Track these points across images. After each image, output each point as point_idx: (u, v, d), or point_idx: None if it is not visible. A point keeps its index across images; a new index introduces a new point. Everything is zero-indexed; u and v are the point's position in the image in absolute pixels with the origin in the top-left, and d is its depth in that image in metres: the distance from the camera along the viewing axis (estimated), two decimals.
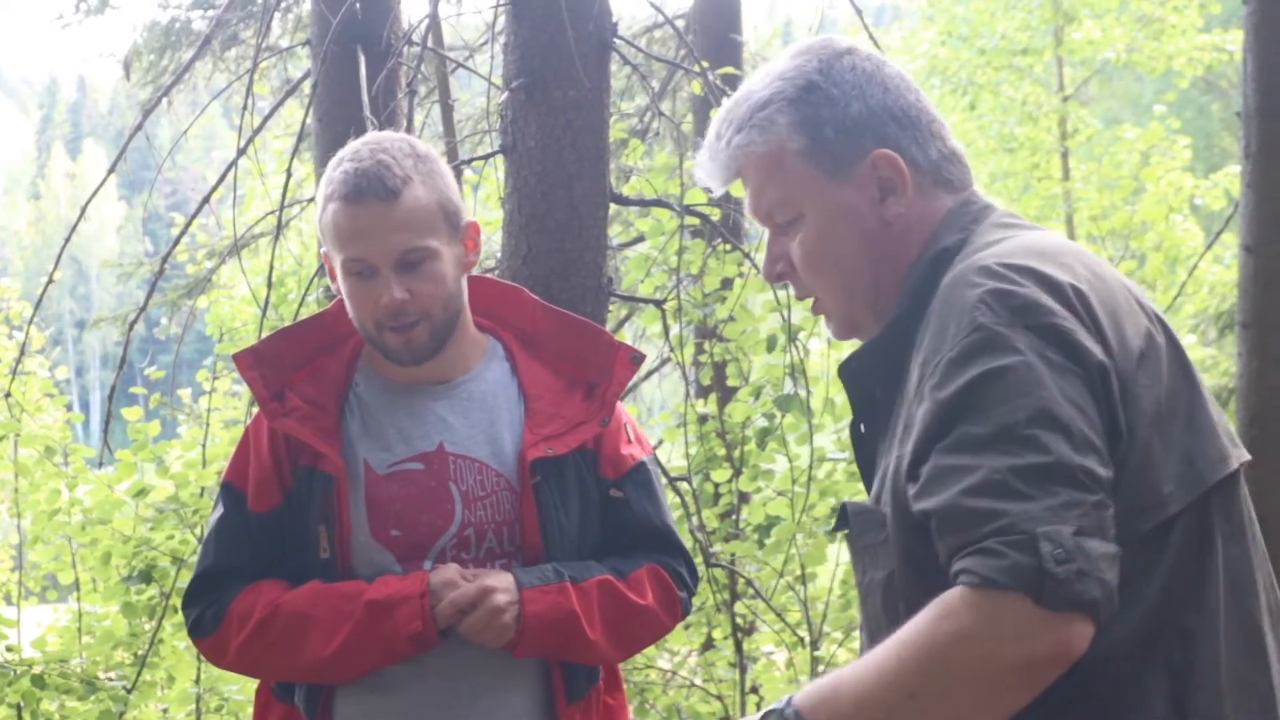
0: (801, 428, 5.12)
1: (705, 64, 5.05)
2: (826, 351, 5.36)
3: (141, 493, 5.51)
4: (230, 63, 7.41)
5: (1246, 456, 1.68)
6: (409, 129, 4.78)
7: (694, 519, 5.23)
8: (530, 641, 2.36)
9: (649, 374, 8.17)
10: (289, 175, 5.14)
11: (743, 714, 5.45)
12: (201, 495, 5.45)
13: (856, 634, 4.20)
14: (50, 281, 5.68)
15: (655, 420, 7.17)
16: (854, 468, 4.97)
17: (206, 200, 5.74)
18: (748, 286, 5.16)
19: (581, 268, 4.09)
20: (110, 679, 5.37)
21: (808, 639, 5.28)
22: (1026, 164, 16.23)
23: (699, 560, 5.09)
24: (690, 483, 5.43)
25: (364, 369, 2.50)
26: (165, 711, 5.70)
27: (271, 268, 5.19)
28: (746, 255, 5.17)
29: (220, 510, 2.48)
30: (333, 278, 2.42)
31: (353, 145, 2.40)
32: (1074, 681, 1.51)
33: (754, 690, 5.70)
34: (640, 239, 5.99)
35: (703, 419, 5.64)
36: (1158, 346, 1.62)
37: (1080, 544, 1.45)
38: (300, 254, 8.01)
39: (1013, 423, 1.50)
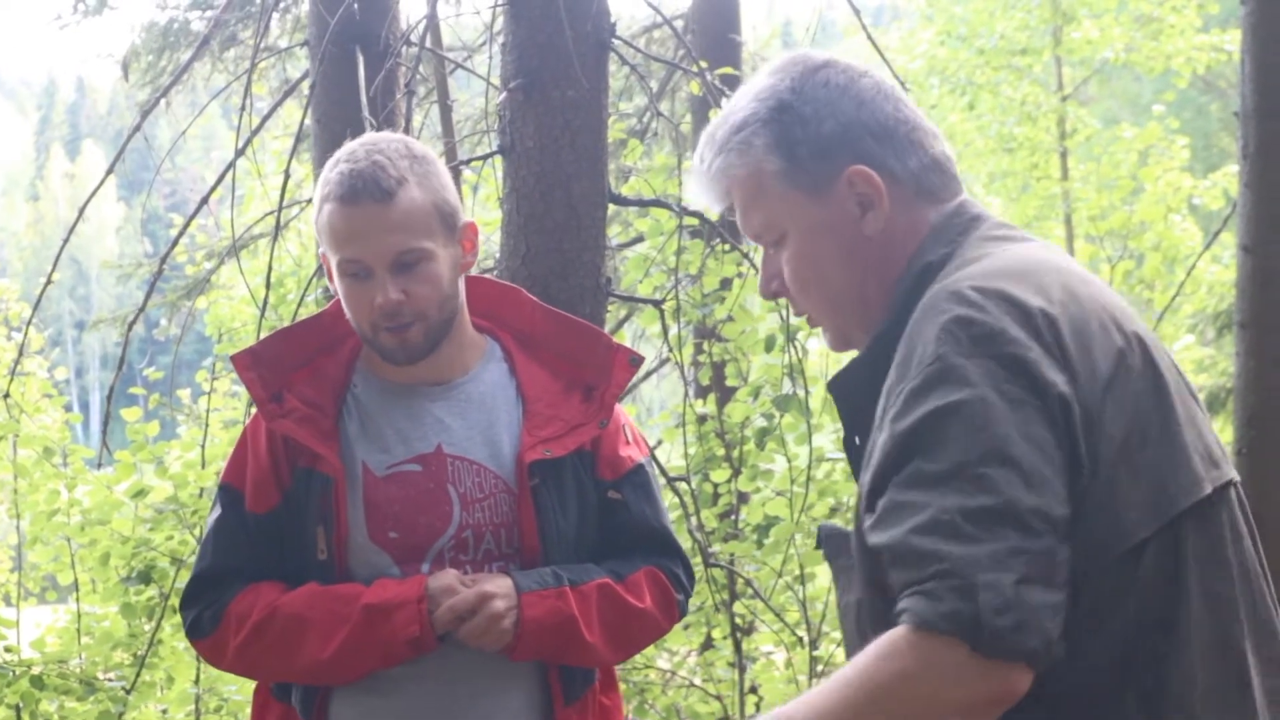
0: (800, 428, 5.12)
1: (704, 64, 5.05)
2: (825, 351, 5.36)
3: (140, 493, 5.51)
4: (229, 63, 7.41)
5: (1229, 476, 1.66)
6: (407, 129, 4.78)
7: (693, 519, 5.23)
8: (528, 646, 2.36)
9: (648, 374, 8.17)
10: (287, 176, 5.14)
11: (742, 714, 5.45)
12: (201, 496, 5.44)
13: None
14: (49, 282, 5.68)
15: (654, 420, 7.18)
16: None
17: (205, 201, 5.74)
18: (746, 286, 5.16)
19: (580, 268, 4.09)
20: (109, 680, 5.37)
21: (806, 639, 5.29)
22: (1025, 164, 16.24)
23: (698, 560, 5.09)
24: (689, 483, 5.43)
25: (362, 370, 2.50)
26: (164, 712, 5.70)
27: (270, 268, 5.18)
28: (745, 255, 5.17)
29: (218, 511, 2.48)
30: (330, 279, 2.42)
31: (349, 146, 2.40)
32: (1046, 708, 1.53)
33: (753, 690, 5.71)
34: (639, 239, 5.99)
35: (701, 419, 5.64)
36: (1129, 370, 1.60)
37: (1021, 594, 1.46)
38: (299, 255, 8.01)
39: (965, 461, 1.50)
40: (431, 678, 2.39)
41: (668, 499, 5.31)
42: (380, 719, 2.42)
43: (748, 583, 5.35)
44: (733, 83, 4.92)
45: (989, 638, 1.45)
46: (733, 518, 5.63)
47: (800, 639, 5.34)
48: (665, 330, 5.09)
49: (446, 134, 5.56)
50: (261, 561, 2.44)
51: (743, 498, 5.69)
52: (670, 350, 5.13)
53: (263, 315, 5.16)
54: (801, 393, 5.04)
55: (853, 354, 1.83)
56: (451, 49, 6.85)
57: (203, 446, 5.59)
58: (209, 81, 7.55)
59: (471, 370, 2.50)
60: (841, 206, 1.75)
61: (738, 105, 1.80)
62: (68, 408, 8.47)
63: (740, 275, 5.27)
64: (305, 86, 5.80)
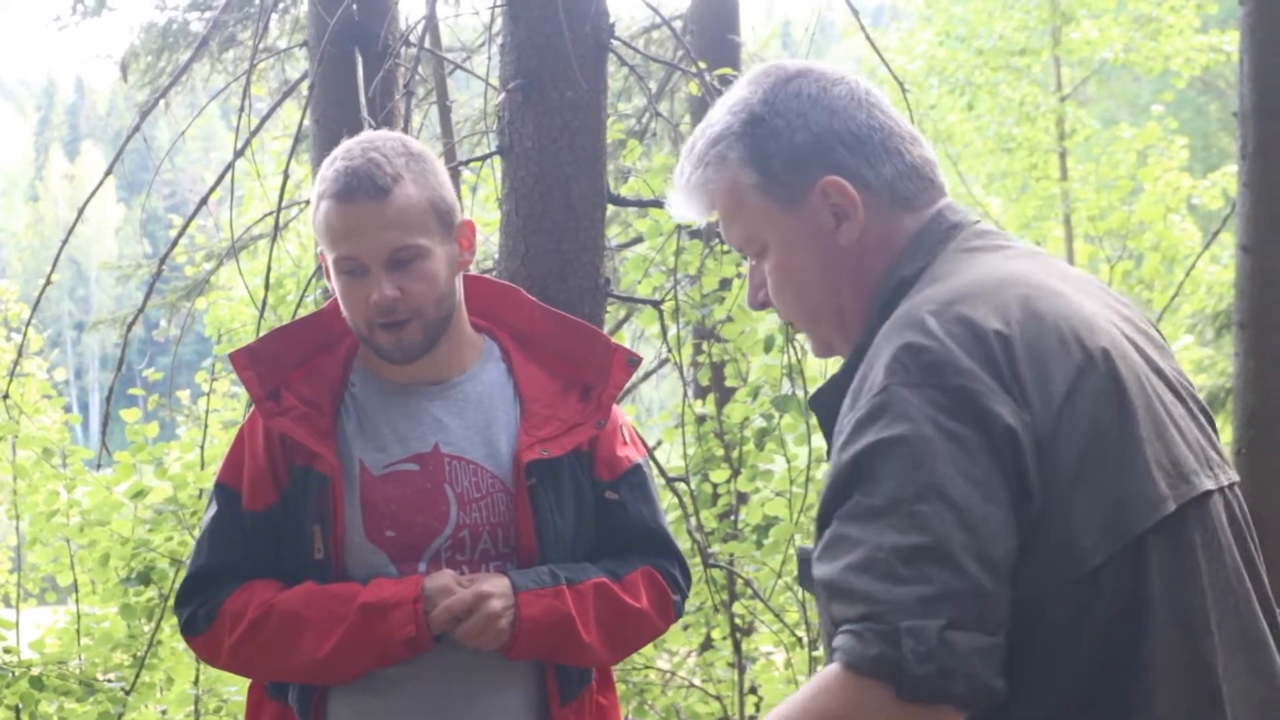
0: (799, 428, 5.12)
1: (703, 65, 5.05)
2: None
3: (140, 494, 5.51)
4: (228, 64, 7.41)
5: (1203, 488, 1.63)
6: (406, 130, 4.78)
7: (692, 519, 5.22)
8: (525, 645, 2.37)
9: (647, 375, 8.17)
10: (286, 176, 5.14)
11: (741, 714, 5.46)
12: (200, 497, 5.44)
13: None
14: (48, 283, 5.68)
15: (654, 421, 7.17)
16: None
17: (204, 202, 5.74)
18: (745, 287, 5.15)
19: (579, 268, 4.09)
20: (109, 680, 5.36)
21: (806, 639, 5.28)
22: (1024, 164, 16.25)
23: (697, 561, 5.09)
24: (688, 483, 5.43)
25: (360, 369, 2.50)
26: (164, 713, 5.69)
27: (269, 269, 5.18)
28: (744, 256, 5.16)
29: (214, 509, 2.48)
30: (328, 277, 2.43)
31: (346, 144, 2.40)
32: None
33: (752, 690, 5.71)
34: (638, 240, 5.99)
35: (701, 419, 5.64)
36: (1087, 388, 1.59)
37: (946, 640, 1.47)
38: (298, 255, 8.00)
39: (901, 497, 1.51)
40: (428, 677, 2.39)
41: (667, 499, 5.30)
42: (378, 718, 2.42)
43: (747, 583, 5.35)
44: (731, 84, 4.91)
45: (910, 684, 1.47)
46: (732, 518, 5.63)
47: (800, 639, 5.34)
48: (664, 331, 5.09)
49: (445, 134, 5.56)
50: (257, 560, 2.44)
51: (742, 498, 5.69)
52: (669, 351, 5.13)
53: (262, 316, 5.16)
54: (801, 393, 5.04)
55: (838, 362, 1.83)
56: (450, 50, 6.85)
57: (202, 447, 5.59)
58: (208, 82, 7.55)
59: (469, 370, 2.50)
60: (816, 217, 1.75)
61: (714, 118, 1.81)
62: (67, 409, 8.46)
63: (739, 275, 5.27)
64: (304, 87, 5.80)
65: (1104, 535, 1.55)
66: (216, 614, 2.43)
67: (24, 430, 5.92)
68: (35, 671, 5.10)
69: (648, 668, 5.91)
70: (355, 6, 5.01)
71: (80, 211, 5.40)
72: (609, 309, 5.24)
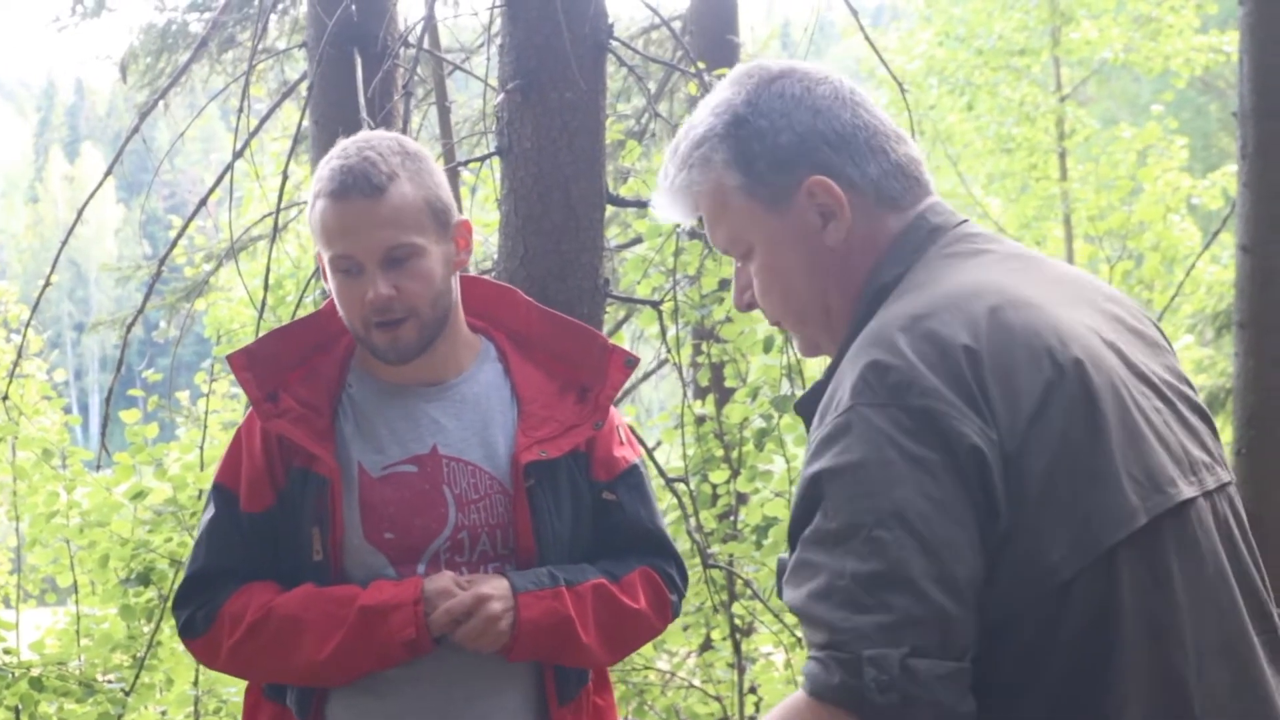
0: (799, 428, 5.12)
1: (702, 65, 5.06)
2: None
3: (140, 495, 5.51)
4: (227, 65, 7.41)
5: (1178, 499, 1.60)
6: (405, 131, 4.78)
7: (692, 520, 5.22)
8: (525, 647, 2.37)
9: (647, 375, 8.17)
10: (285, 177, 5.13)
11: (741, 715, 5.46)
12: (199, 497, 5.44)
13: None
14: (48, 284, 5.68)
15: (653, 421, 7.17)
16: None
17: (204, 203, 5.74)
18: None
19: (578, 269, 4.09)
20: (108, 681, 5.36)
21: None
22: (1024, 164, 16.24)
23: (697, 561, 5.09)
24: (688, 484, 5.43)
25: (357, 369, 2.50)
26: (164, 714, 5.69)
27: (268, 270, 5.18)
28: None
29: (211, 511, 2.47)
30: (325, 277, 2.42)
31: (342, 144, 2.40)
32: None
33: (752, 690, 5.70)
34: (637, 240, 5.99)
35: (700, 420, 5.64)
36: (1057, 402, 1.57)
37: (910, 668, 1.47)
38: (298, 256, 8.01)
39: (860, 523, 1.51)
40: (427, 679, 2.39)
41: (667, 500, 5.31)
42: None
43: (747, 584, 5.35)
44: None
45: (873, 713, 1.47)
46: (732, 519, 5.63)
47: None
48: (664, 331, 5.09)
49: (445, 135, 5.56)
50: (255, 562, 2.44)
51: (741, 499, 5.69)
52: (669, 351, 5.13)
53: (261, 317, 5.16)
54: (800, 393, 5.04)
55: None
56: (449, 50, 6.85)
57: (201, 448, 5.59)
58: (207, 83, 7.54)
59: (466, 371, 2.50)
60: (802, 218, 1.74)
61: (697, 119, 1.79)
62: (67, 410, 8.46)
63: None
64: (303, 88, 5.80)
65: (1074, 550, 1.54)
66: (215, 616, 2.42)
67: (24, 431, 5.92)
68: (35, 672, 5.09)
69: (647, 668, 5.91)
70: (354, 7, 5.00)
71: (80, 212, 5.40)
72: (608, 309, 5.24)
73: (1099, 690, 1.55)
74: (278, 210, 5.22)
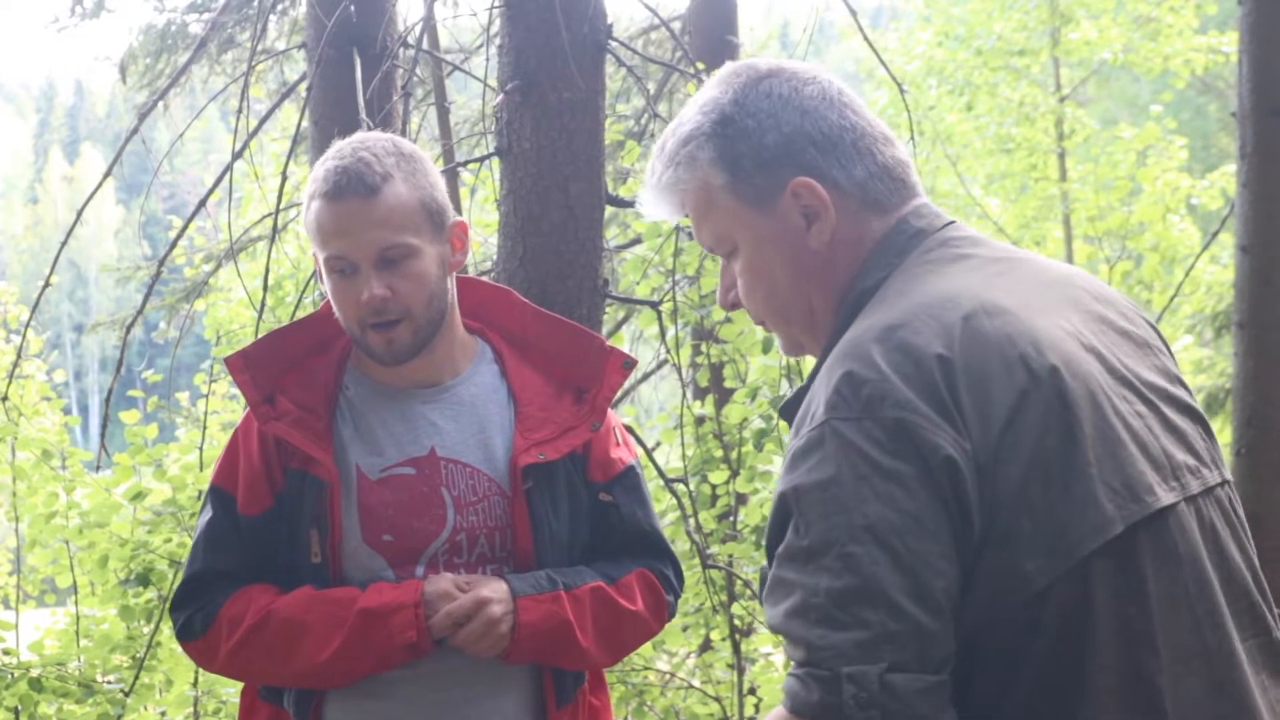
0: None
1: (701, 66, 5.06)
2: None
3: (139, 496, 5.51)
4: (226, 66, 7.41)
5: (1156, 506, 1.59)
6: (404, 131, 4.79)
7: (691, 520, 5.22)
8: (524, 650, 2.37)
9: (646, 376, 8.17)
10: (285, 178, 5.13)
11: (741, 715, 5.45)
12: (199, 498, 5.44)
13: None
14: (47, 285, 5.68)
15: (653, 422, 7.17)
16: None
17: (203, 203, 5.74)
18: None
19: (578, 269, 4.09)
20: (108, 682, 5.36)
21: None
22: (1023, 165, 16.23)
23: (696, 562, 5.08)
24: (687, 484, 5.42)
25: (353, 371, 2.50)
26: (163, 714, 5.69)
27: (268, 270, 5.18)
28: None
29: (209, 514, 2.47)
30: (321, 278, 2.43)
31: (337, 145, 2.40)
32: None
33: (752, 691, 5.70)
34: (637, 241, 5.99)
35: (700, 420, 5.64)
36: (1031, 410, 1.57)
37: (888, 683, 1.47)
38: (297, 257, 8.00)
39: (833, 540, 1.51)
40: (426, 681, 2.39)
41: (666, 500, 5.30)
42: None
43: (746, 584, 5.34)
44: None
45: None
46: (731, 519, 5.62)
47: None
48: (663, 332, 5.09)
49: (444, 136, 5.56)
50: (253, 564, 2.44)
51: (741, 499, 5.69)
52: (668, 352, 5.13)
53: (260, 317, 5.16)
54: None
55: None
56: (449, 51, 6.85)
57: (201, 449, 5.59)
58: (207, 84, 7.54)
59: (463, 372, 2.49)
60: (787, 219, 1.73)
61: (685, 118, 1.79)
62: (66, 410, 8.45)
63: None
64: (303, 89, 5.80)
65: (1048, 559, 1.54)
66: (213, 619, 2.42)
67: (23, 432, 5.92)
68: (34, 673, 5.09)
69: (647, 669, 5.91)
70: (353, 8, 5.00)
71: (79, 213, 5.40)
72: (607, 310, 5.23)
73: (1073, 698, 1.55)
74: (277, 211, 5.22)
